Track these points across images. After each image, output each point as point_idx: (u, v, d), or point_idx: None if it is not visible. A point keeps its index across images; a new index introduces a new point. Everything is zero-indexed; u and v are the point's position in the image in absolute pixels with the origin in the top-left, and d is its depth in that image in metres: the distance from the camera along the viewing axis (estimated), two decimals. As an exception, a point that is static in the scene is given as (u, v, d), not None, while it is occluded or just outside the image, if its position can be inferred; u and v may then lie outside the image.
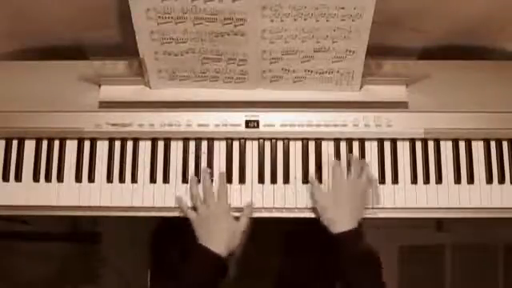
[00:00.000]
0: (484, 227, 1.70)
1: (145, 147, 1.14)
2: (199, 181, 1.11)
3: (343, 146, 1.13)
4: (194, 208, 1.09)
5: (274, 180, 1.13)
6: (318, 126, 1.11)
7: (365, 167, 1.09)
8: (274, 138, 1.14)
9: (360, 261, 1.00)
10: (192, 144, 1.14)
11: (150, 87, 1.14)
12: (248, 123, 1.12)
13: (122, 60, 1.13)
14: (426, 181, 1.12)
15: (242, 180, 1.13)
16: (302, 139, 1.14)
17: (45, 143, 1.15)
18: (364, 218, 1.08)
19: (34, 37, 1.19)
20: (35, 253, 1.75)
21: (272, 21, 1.00)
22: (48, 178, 1.13)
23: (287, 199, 1.12)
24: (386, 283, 1.01)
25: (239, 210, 1.11)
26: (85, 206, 1.12)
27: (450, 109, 1.11)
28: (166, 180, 1.13)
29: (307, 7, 0.98)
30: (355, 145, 1.13)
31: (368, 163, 1.11)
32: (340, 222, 1.02)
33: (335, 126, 1.11)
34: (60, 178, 1.13)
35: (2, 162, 1.14)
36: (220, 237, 1.03)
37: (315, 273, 1.27)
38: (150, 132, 1.12)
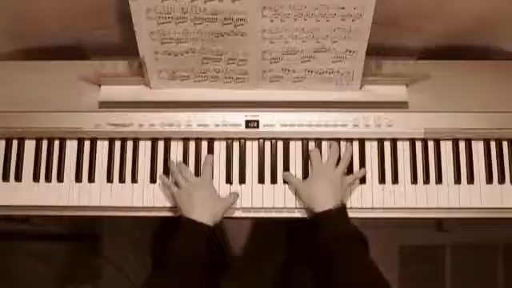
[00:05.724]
0: (484, 227, 1.70)
1: (145, 147, 1.14)
2: None
3: (343, 146, 1.13)
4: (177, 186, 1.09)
5: (273, 180, 1.13)
6: (318, 125, 1.11)
7: (344, 157, 1.10)
8: (273, 138, 1.14)
9: (344, 238, 0.99)
10: (192, 144, 1.14)
11: (150, 87, 1.14)
12: (248, 123, 1.11)
13: (122, 60, 1.13)
14: (426, 181, 1.12)
15: (241, 180, 1.13)
16: (302, 139, 1.14)
17: (45, 143, 1.15)
18: (364, 218, 1.07)
19: (34, 37, 1.19)
20: (35, 253, 1.75)
21: (272, 21, 1.00)
22: (48, 178, 1.13)
23: (287, 199, 1.12)
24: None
25: (239, 210, 1.11)
26: (85, 206, 1.12)
27: (450, 109, 1.11)
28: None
29: (307, 7, 0.98)
30: (355, 145, 1.13)
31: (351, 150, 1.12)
32: (323, 202, 1.02)
33: (335, 126, 1.11)
34: (60, 178, 1.13)
35: (2, 162, 1.14)
36: (202, 205, 1.03)
37: (317, 274, 1.27)
38: (149, 132, 1.12)
